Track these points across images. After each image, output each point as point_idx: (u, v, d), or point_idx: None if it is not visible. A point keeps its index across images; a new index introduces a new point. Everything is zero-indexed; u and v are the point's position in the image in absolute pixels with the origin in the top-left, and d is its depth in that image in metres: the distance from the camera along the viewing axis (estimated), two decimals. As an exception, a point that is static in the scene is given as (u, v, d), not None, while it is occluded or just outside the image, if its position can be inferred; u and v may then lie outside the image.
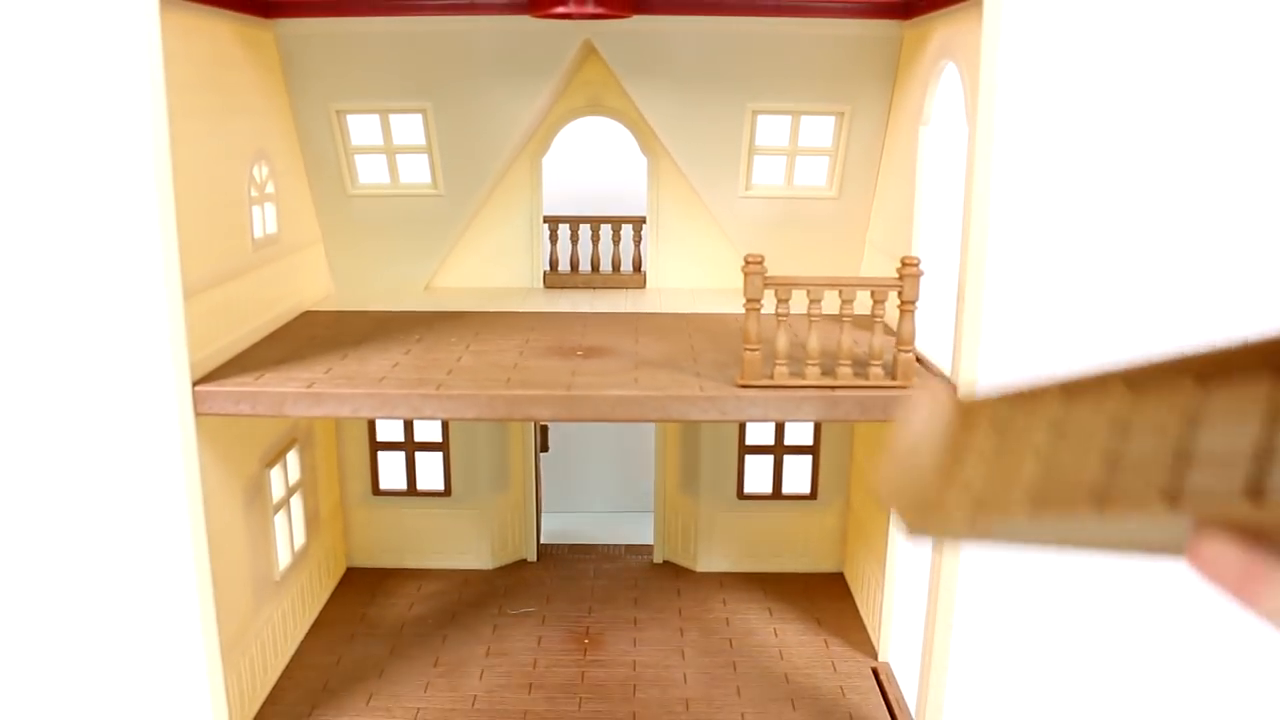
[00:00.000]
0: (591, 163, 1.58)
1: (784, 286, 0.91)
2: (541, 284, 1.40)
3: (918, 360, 1.00)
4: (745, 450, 1.40)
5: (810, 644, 1.26)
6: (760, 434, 1.41)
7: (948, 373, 0.95)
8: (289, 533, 1.21)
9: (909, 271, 0.90)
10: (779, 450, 1.41)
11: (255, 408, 0.92)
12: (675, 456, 1.45)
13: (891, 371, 0.92)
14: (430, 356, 1.02)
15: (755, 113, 1.24)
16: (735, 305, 1.22)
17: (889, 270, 0.95)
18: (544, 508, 1.54)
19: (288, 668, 1.19)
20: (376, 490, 1.43)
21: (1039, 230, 1.58)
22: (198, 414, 0.92)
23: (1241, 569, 0.51)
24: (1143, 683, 1.30)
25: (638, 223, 1.41)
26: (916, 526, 0.50)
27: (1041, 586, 1.51)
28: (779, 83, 1.22)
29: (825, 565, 1.45)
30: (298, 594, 1.25)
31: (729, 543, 1.44)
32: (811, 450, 1.41)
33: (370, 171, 1.30)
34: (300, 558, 1.25)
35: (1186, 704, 1.26)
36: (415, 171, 1.30)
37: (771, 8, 1.17)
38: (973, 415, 0.54)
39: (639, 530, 1.57)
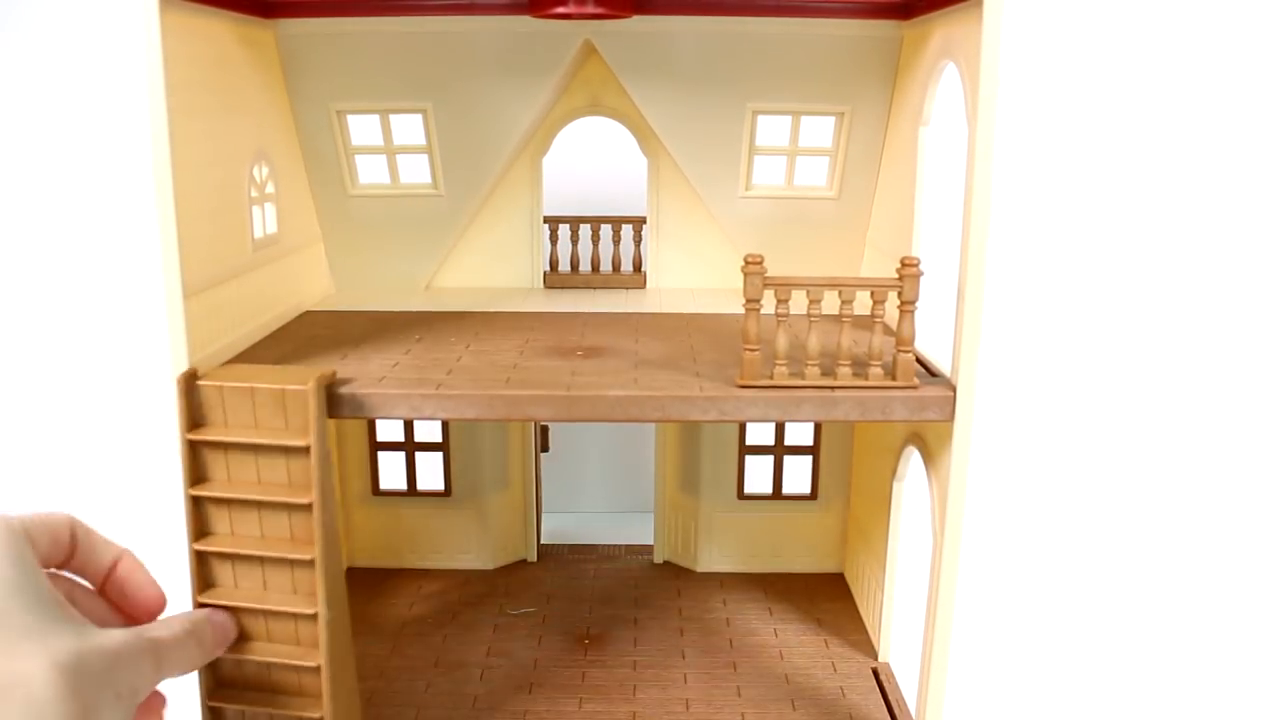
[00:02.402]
0: (591, 163, 1.58)
1: (784, 286, 0.91)
2: (541, 284, 1.40)
3: (918, 360, 1.00)
4: (745, 450, 1.40)
5: (810, 644, 1.26)
6: (760, 434, 1.41)
7: (948, 373, 0.95)
8: (289, 533, 1.21)
9: (909, 271, 0.90)
10: (779, 450, 1.41)
11: (255, 408, 0.92)
12: (675, 456, 1.45)
13: (891, 372, 0.92)
14: (430, 356, 1.02)
15: (755, 113, 1.24)
16: (735, 305, 1.22)
17: (889, 270, 0.95)
18: (544, 508, 1.54)
19: (288, 668, 1.19)
20: (376, 490, 1.43)
21: (1039, 230, 1.58)
22: (198, 414, 0.92)
23: None
24: (1142, 682, 1.30)
25: (638, 223, 1.41)
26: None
27: (1041, 587, 1.51)
28: (779, 83, 1.22)
29: (825, 565, 1.45)
30: (298, 594, 1.25)
31: (729, 543, 1.44)
32: (811, 450, 1.41)
33: (370, 171, 1.30)
34: (300, 558, 1.25)
35: (1185, 704, 1.26)
36: (415, 171, 1.30)
37: (771, 8, 1.17)
38: None
39: (639, 530, 1.57)
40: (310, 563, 0.66)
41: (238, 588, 0.67)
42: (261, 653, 0.72)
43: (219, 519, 0.67)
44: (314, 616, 0.67)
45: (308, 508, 0.65)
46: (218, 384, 0.66)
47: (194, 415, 0.64)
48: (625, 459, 1.78)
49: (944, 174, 1.06)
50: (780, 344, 0.91)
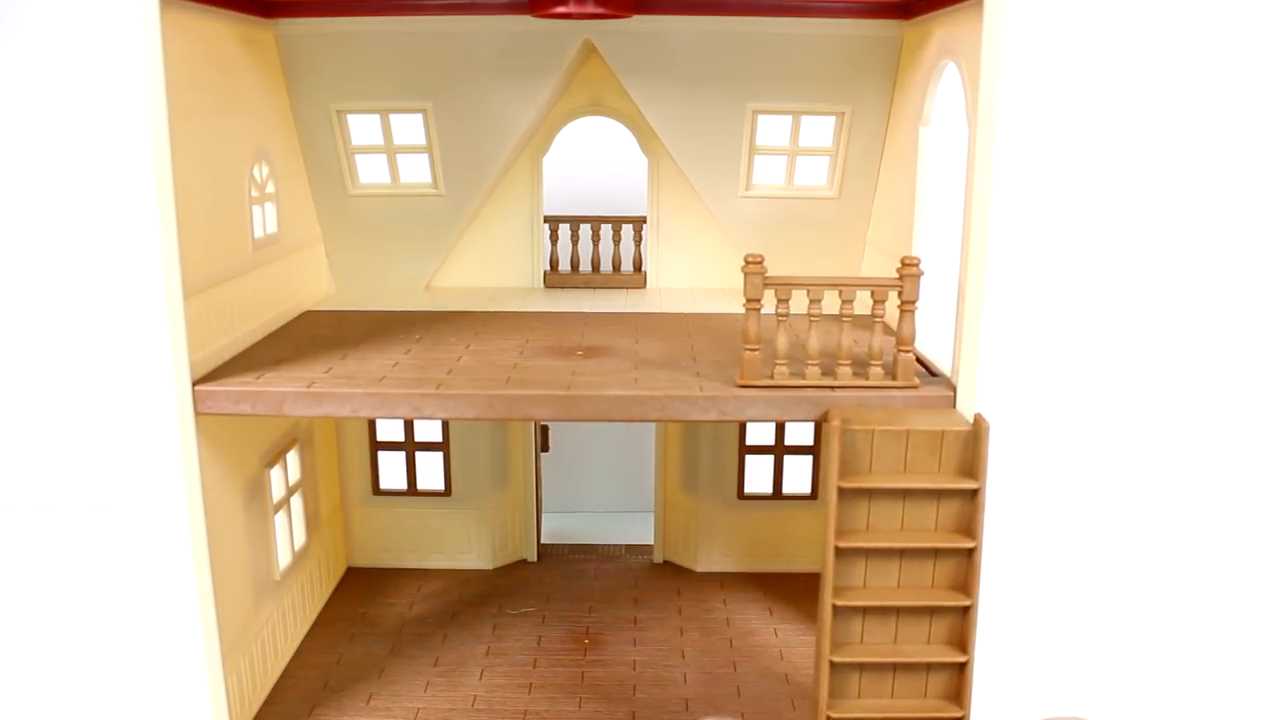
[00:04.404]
0: (591, 163, 1.58)
1: (784, 286, 0.91)
2: (541, 284, 1.40)
3: (918, 360, 1.00)
4: (745, 450, 1.40)
5: (810, 644, 1.25)
6: (760, 434, 1.40)
7: (948, 373, 0.95)
8: (289, 532, 1.21)
9: (909, 271, 0.90)
10: (779, 450, 1.41)
11: (255, 407, 0.92)
12: (675, 456, 1.45)
13: (891, 371, 0.92)
14: (430, 356, 1.02)
15: (755, 113, 1.24)
16: (735, 305, 1.22)
17: (889, 270, 0.95)
18: (544, 508, 1.54)
19: (288, 667, 1.19)
20: (376, 490, 1.43)
21: (1039, 230, 1.58)
22: (198, 413, 0.92)
23: None
24: (1143, 680, 1.30)
25: (638, 223, 1.41)
26: None
27: (1041, 586, 1.51)
28: (779, 83, 1.22)
29: (825, 565, 1.45)
30: (298, 594, 1.25)
31: (729, 543, 1.44)
32: (811, 450, 1.41)
33: (370, 171, 1.30)
34: (300, 557, 1.25)
35: (1190, 702, 1.26)
36: (415, 171, 1.30)
37: (771, 8, 1.17)
38: None
39: (639, 530, 1.57)
40: (958, 610, 0.66)
41: (863, 643, 0.67)
42: (888, 710, 0.71)
43: (854, 571, 0.66)
44: (961, 665, 0.66)
45: (965, 553, 0.66)
46: (869, 429, 0.66)
47: (844, 462, 0.65)
48: (625, 459, 1.78)
49: (944, 174, 1.06)
50: (780, 344, 0.91)
